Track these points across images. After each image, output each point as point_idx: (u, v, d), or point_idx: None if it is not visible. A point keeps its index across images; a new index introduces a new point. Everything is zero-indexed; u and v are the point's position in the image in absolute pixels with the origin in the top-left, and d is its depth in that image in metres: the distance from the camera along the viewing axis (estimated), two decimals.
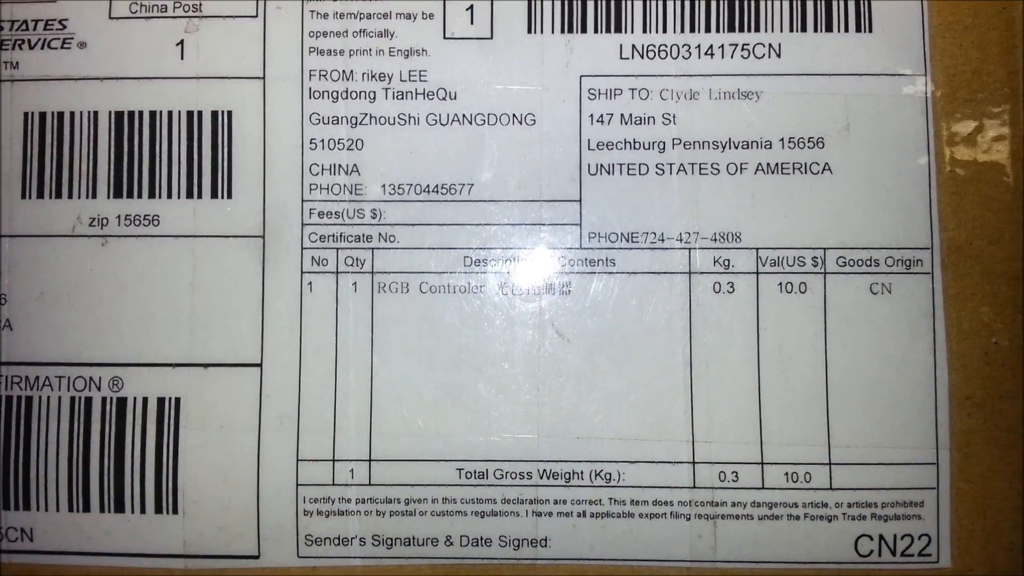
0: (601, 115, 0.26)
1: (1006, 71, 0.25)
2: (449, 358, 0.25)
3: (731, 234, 0.25)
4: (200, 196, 0.25)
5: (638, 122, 0.26)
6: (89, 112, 0.26)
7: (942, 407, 0.25)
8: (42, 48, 0.26)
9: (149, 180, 0.25)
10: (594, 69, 0.26)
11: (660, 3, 0.26)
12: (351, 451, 0.25)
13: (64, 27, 0.26)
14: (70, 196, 0.25)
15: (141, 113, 0.26)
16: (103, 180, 0.25)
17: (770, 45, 0.26)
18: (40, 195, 0.25)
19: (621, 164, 0.26)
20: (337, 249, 0.25)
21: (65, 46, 0.26)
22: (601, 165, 0.26)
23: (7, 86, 0.26)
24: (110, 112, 0.26)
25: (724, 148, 0.25)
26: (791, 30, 0.26)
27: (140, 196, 0.25)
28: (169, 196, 0.25)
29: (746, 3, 0.26)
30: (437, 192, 0.25)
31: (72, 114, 0.26)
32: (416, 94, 0.26)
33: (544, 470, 0.25)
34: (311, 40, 0.26)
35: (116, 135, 0.26)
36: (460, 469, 0.25)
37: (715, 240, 0.25)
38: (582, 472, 0.25)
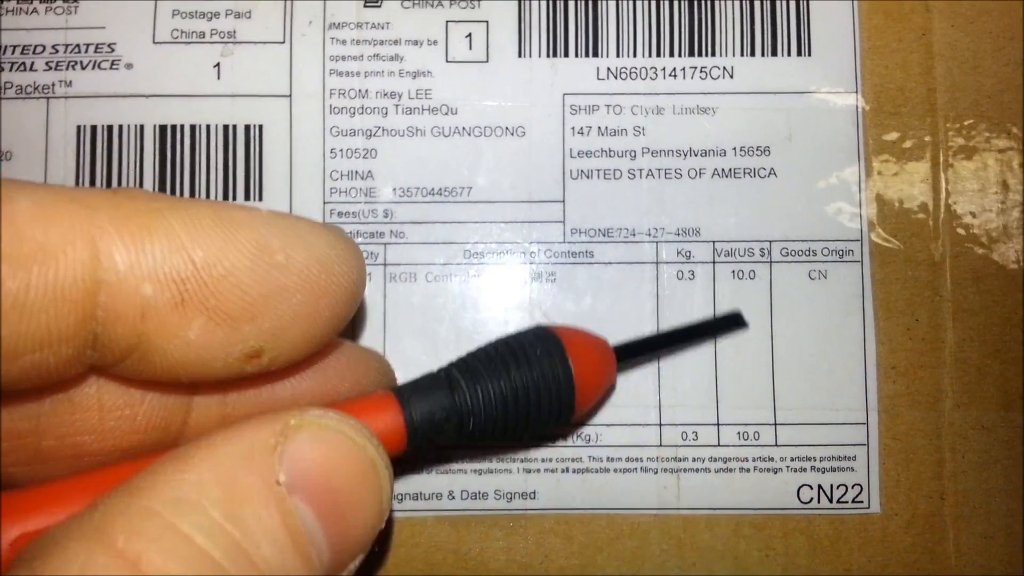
0: (581, 128, 0.27)
1: (926, 88, 0.27)
2: (450, 338, 0.26)
3: (692, 229, 0.27)
4: (235, 199, 0.26)
5: (613, 134, 0.27)
6: (136, 125, 0.26)
7: (871, 375, 0.26)
8: (93, 69, 0.26)
9: (190, 185, 0.26)
10: (575, 88, 0.27)
11: (631, 32, 0.27)
12: None
13: (112, 50, 0.27)
14: None
15: (182, 127, 0.26)
16: (148, 185, 0.26)
17: (724, 68, 0.27)
18: None
19: (598, 170, 0.27)
20: None
21: (114, 67, 0.26)
22: (581, 171, 0.27)
23: (62, 102, 0.26)
24: (155, 126, 0.26)
25: (686, 156, 0.27)
26: (742, 55, 0.27)
27: None
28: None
29: (704, 32, 0.27)
30: (440, 194, 0.27)
31: (120, 127, 0.26)
32: (422, 110, 0.27)
33: None
34: (331, 63, 0.27)
35: (160, 146, 0.26)
36: None
37: (678, 235, 0.27)
38: (565, 434, 0.26)
